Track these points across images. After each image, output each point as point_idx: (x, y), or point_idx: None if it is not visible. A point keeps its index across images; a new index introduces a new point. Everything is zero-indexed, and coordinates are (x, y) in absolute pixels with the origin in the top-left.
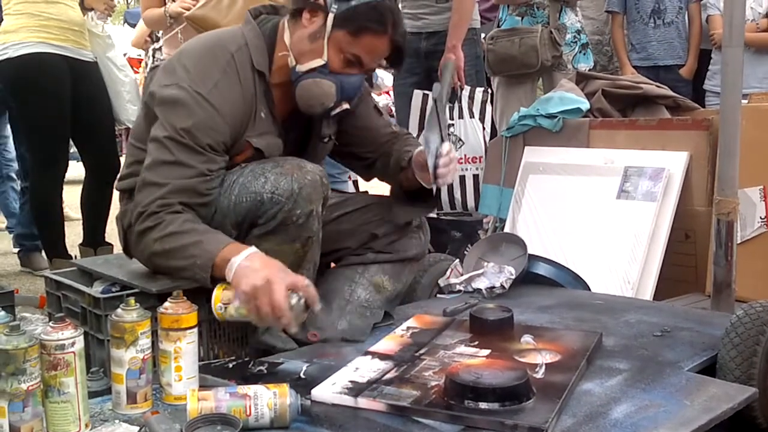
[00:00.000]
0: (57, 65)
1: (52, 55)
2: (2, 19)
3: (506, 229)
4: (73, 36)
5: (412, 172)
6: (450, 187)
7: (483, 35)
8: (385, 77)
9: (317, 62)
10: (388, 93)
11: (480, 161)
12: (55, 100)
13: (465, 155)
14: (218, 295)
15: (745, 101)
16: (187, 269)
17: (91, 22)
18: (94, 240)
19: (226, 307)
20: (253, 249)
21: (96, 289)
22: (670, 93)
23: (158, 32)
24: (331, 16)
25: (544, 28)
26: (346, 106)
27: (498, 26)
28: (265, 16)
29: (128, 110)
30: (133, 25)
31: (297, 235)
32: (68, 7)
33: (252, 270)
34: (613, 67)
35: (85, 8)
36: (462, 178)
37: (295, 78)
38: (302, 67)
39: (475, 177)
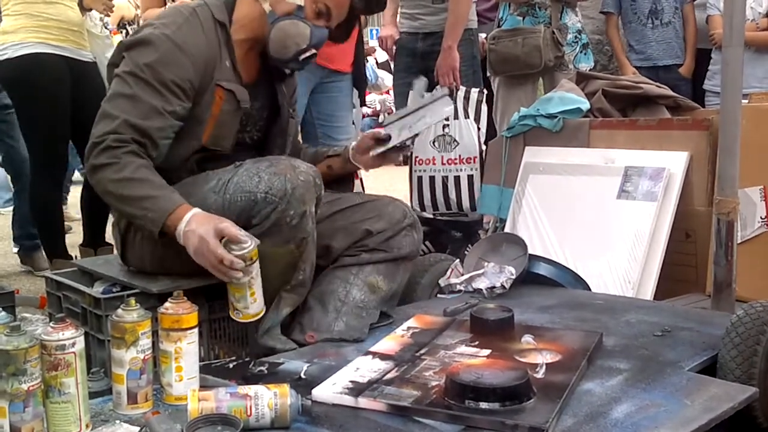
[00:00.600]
0: (56, 66)
1: (51, 55)
2: (1, 20)
3: (506, 229)
4: (72, 36)
5: (338, 162)
6: (445, 188)
7: (484, 35)
8: (385, 78)
9: (295, 2)
10: (388, 92)
11: (474, 161)
12: (55, 100)
13: (459, 156)
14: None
15: (745, 101)
16: (138, 218)
17: (89, 22)
18: (94, 240)
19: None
20: (192, 212)
21: (96, 290)
22: (671, 93)
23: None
24: None
25: (547, 29)
26: (314, 51)
27: (498, 26)
28: None
29: None
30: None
31: (291, 236)
32: (67, 7)
33: (191, 233)
34: (614, 66)
35: (83, 9)
36: (457, 179)
37: (272, 21)
38: (280, 7)
39: (470, 177)
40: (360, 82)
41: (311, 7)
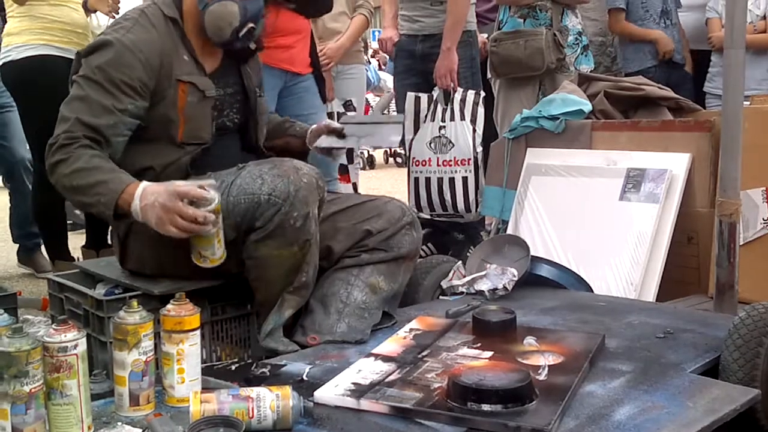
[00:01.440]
0: (60, 68)
1: (55, 57)
2: (6, 22)
3: (509, 231)
4: (76, 38)
5: (296, 142)
6: (440, 189)
7: (485, 35)
8: (387, 80)
9: None
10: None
11: (469, 163)
12: (58, 102)
13: (454, 157)
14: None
15: (746, 103)
16: (93, 206)
17: (94, 23)
18: (97, 242)
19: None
20: (141, 187)
21: (99, 292)
22: (672, 95)
23: None
24: None
25: (548, 31)
26: (251, 25)
27: (499, 28)
28: None
29: None
30: None
31: (295, 238)
32: (72, 9)
33: (149, 206)
34: (617, 68)
35: (88, 10)
36: (451, 180)
37: (202, 7)
38: None
39: (464, 179)
40: (320, 82)
41: None
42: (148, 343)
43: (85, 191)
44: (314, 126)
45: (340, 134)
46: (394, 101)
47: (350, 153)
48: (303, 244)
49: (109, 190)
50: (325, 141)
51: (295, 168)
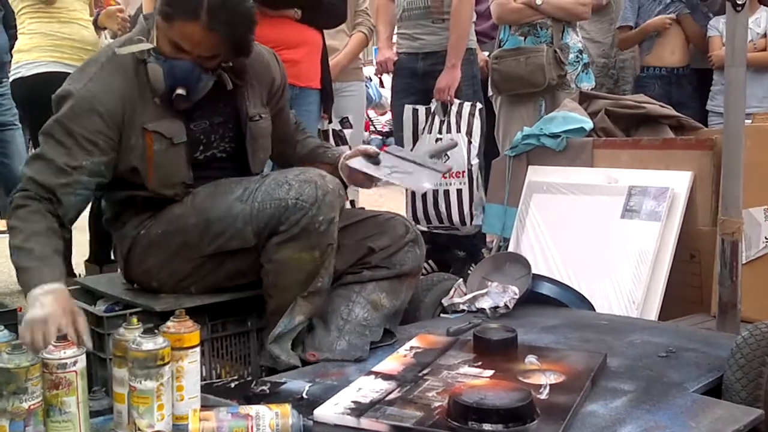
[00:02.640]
0: None
1: (64, 74)
2: (17, 39)
3: (510, 249)
4: (86, 56)
5: (328, 170)
6: (435, 201)
7: (486, 53)
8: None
9: (145, 46)
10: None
11: (463, 176)
12: None
13: (449, 170)
14: None
15: (748, 121)
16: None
17: (104, 41)
18: (100, 257)
19: None
20: (43, 289)
21: (99, 308)
22: (674, 113)
23: None
24: (158, 4)
25: (549, 48)
26: (180, 91)
27: (500, 47)
28: (153, 18)
29: None
30: None
31: (317, 242)
32: (82, 27)
33: (41, 305)
34: (620, 90)
35: (99, 28)
36: (446, 193)
37: (141, 64)
38: (130, 50)
39: (459, 192)
40: (327, 99)
41: (165, 43)
42: None
43: (17, 270)
44: (349, 154)
45: (374, 160)
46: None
47: None
48: (324, 249)
49: (24, 284)
50: (356, 162)
51: (320, 175)
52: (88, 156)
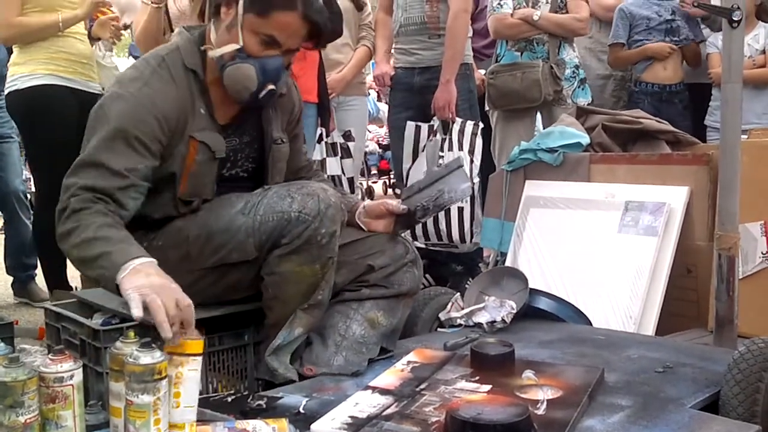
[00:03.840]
0: (64, 98)
1: (59, 87)
2: (12, 52)
3: (507, 263)
4: (81, 69)
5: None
6: (435, 218)
7: (483, 71)
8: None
9: (233, 46)
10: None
11: None
12: (62, 132)
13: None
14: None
15: (744, 137)
16: (100, 279)
17: (98, 53)
18: None
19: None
20: (147, 258)
21: (95, 321)
22: (670, 128)
23: None
24: (241, 3)
25: (545, 63)
26: (271, 87)
27: (496, 61)
28: (196, 29)
29: None
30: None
31: (319, 256)
32: (77, 40)
33: (147, 274)
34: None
35: (92, 39)
36: (447, 211)
37: (220, 68)
38: (220, 53)
39: (460, 210)
40: (323, 112)
41: (253, 41)
42: None
43: (92, 264)
44: (370, 204)
45: (407, 215)
46: (391, 136)
47: (351, 183)
48: (326, 262)
49: (111, 264)
50: (399, 228)
51: (322, 188)
52: (143, 160)
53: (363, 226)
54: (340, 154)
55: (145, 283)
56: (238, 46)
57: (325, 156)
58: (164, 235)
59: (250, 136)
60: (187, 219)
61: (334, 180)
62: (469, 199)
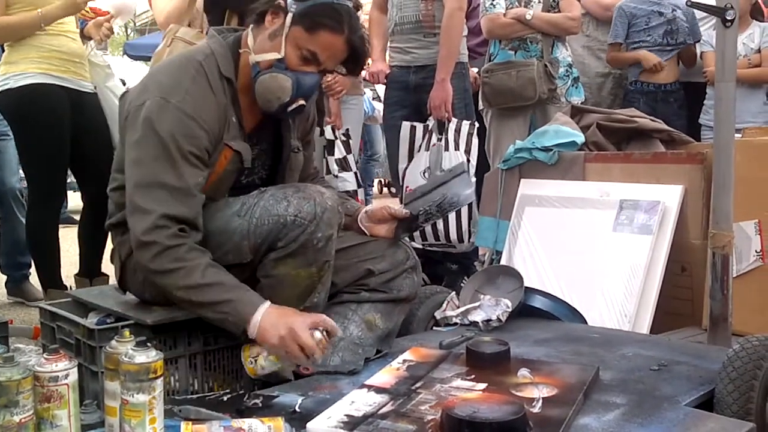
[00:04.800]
0: (57, 96)
1: (52, 86)
2: (4, 50)
3: (502, 262)
4: (73, 67)
5: (346, 220)
6: None
7: (476, 70)
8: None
9: (274, 55)
10: None
11: None
12: (55, 131)
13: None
14: (246, 353)
15: (738, 135)
16: (218, 321)
17: (89, 51)
18: (90, 270)
19: (255, 360)
20: (265, 306)
21: (90, 321)
22: (665, 127)
23: None
24: (290, 15)
25: (539, 62)
26: (301, 102)
27: (490, 60)
28: (228, 33)
29: None
30: (133, 57)
31: (315, 259)
32: (69, 39)
33: (271, 325)
34: (618, 106)
35: (84, 37)
36: None
37: (254, 74)
38: (260, 60)
39: (457, 210)
40: (319, 114)
41: (295, 54)
42: None
43: (210, 307)
44: (372, 209)
45: (409, 219)
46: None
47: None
48: (322, 265)
49: (236, 312)
50: (400, 232)
51: (319, 192)
52: (200, 173)
53: (365, 230)
54: (342, 150)
55: (276, 340)
56: (279, 56)
57: (345, 154)
58: None
59: (267, 143)
60: None
61: (357, 176)
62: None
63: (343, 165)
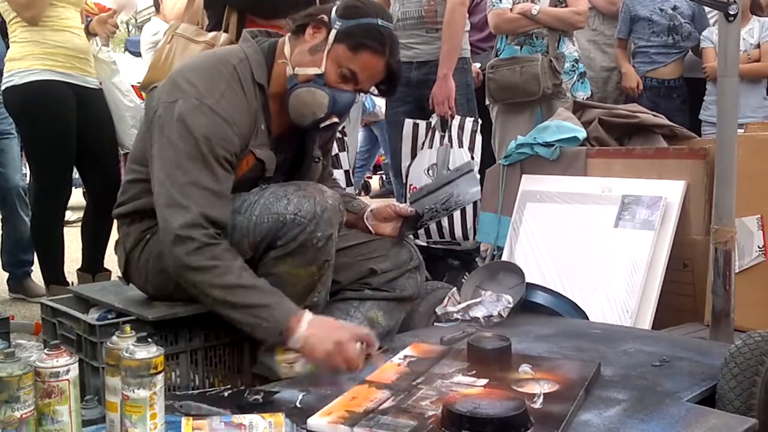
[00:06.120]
0: (62, 92)
1: (57, 82)
2: (9, 47)
3: (504, 258)
4: (78, 63)
5: (352, 218)
6: None
7: (479, 65)
8: (382, 105)
9: (314, 70)
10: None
11: None
12: (60, 127)
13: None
14: (281, 357)
15: (741, 131)
16: (250, 325)
17: (95, 48)
18: (92, 266)
19: (291, 365)
20: (309, 317)
21: (92, 316)
22: (667, 122)
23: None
24: (333, 32)
25: (544, 57)
26: (335, 119)
27: (496, 56)
28: (261, 37)
29: (132, 135)
30: (134, 53)
31: (314, 258)
32: (74, 35)
33: (318, 339)
34: (623, 100)
35: (90, 34)
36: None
37: (291, 86)
38: (299, 74)
39: (463, 207)
40: None
41: (335, 71)
42: None
43: (243, 310)
44: (377, 207)
45: (414, 218)
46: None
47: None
48: (322, 265)
49: (274, 318)
50: (405, 230)
51: (320, 190)
52: (231, 176)
53: (370, 228)
54: (337, 148)
55: (323, 355)
56: (320, 71)
57: (338, 151)
58: None
59: (290, 152)
60: None
61: (348, 175)
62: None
63: (333, 163)
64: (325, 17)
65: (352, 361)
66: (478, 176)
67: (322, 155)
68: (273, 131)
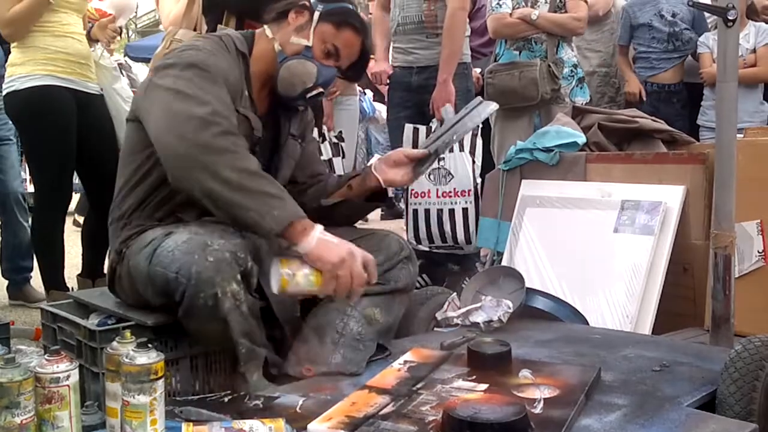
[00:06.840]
0: (63, 98)
1: (58, 88)
2: (10, 52)
3: (504, 263)
4: (79, 69)
5: (357, 181)
6: (440, 221)
7: (479, 70)
8: (382, 110)
9: (304, 42)
10: None
11: (469, 194)
12: (61, 132)
13: (454, 189)
14: (284, 264)
15: (740, 135)
16: (258, 213)
17: (97, 53)
18: (93, 271)
19: (293, 275)
20: (321, 227)
21: (92, 322)
22: (666, 127)
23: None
24: (317, 13)
25: (543, 62)
26: (320, 89)
27: (495, 60)
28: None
29: None
30: (134, 59)
31: (211, 317)
32: (75, 40)
33: (333, 245)
34: (621, 99)
35: (91, 40)
36: (451, 212)
37: (281, 59)
38: (288, 46)
39: (464, 210)
40: (316, 112)
41: (320, 47)
42: None
43: (256, 196)
44: (385, 155)
45: (427, 157)
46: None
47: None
48: (222, 322)
49: (286, 209)
50: (419, 169)
51: (204, 244)
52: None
53: (379, 177)
54: (332, 153)
55: (336, 259)
56: (308, 43)
57: (331, 156)
58: (140, 242)
59: (270, 134)
60: (156, 231)
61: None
62: (473, 200)
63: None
64: (307, 2)
65: (359, 278)
66: (479, 179)
67: (303, 141)
68: (256, 104)
